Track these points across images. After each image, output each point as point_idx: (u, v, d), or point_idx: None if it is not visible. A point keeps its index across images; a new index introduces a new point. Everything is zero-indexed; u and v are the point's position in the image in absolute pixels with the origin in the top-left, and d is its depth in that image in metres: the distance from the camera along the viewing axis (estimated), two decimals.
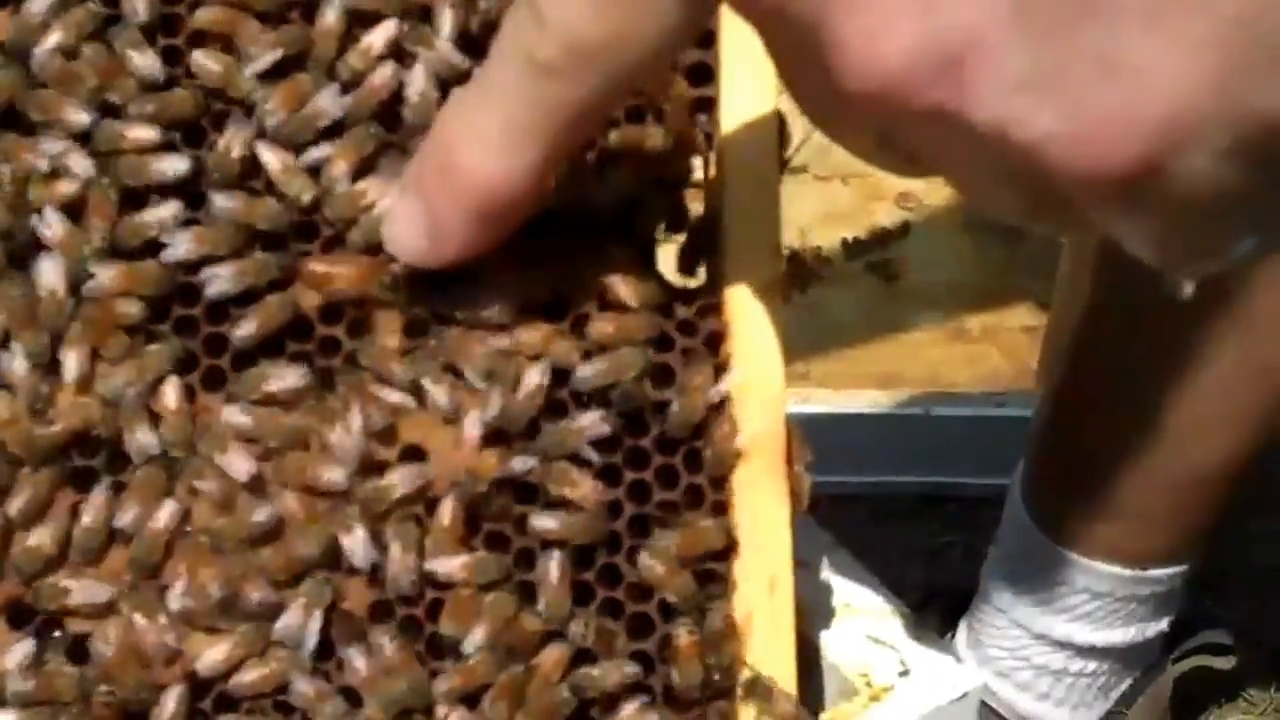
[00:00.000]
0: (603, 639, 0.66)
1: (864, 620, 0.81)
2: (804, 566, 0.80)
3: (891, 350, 1.76)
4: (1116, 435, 1.19)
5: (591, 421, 0.67)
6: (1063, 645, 1.26)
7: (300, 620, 0.65)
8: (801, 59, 0.53)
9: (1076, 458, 1.23)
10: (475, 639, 0.65)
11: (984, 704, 1.29)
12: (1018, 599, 1.27)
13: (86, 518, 0.66)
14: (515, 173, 0.59)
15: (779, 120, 0.69)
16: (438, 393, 0.67)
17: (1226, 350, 1.13)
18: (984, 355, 1.77)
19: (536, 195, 0.61)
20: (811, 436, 1.69)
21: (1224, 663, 1.35)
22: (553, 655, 0.66)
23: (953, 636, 1.34)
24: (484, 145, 0.59)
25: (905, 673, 0.78)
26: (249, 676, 0.65)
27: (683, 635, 0.66)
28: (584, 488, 0.66)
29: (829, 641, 0.79)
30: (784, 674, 0.67)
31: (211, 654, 0.65)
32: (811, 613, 0.80)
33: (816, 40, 0.50)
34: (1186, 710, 1.44)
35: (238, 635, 0.65)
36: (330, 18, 0.68)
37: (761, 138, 0.69)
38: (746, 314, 0.68)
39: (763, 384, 0.68)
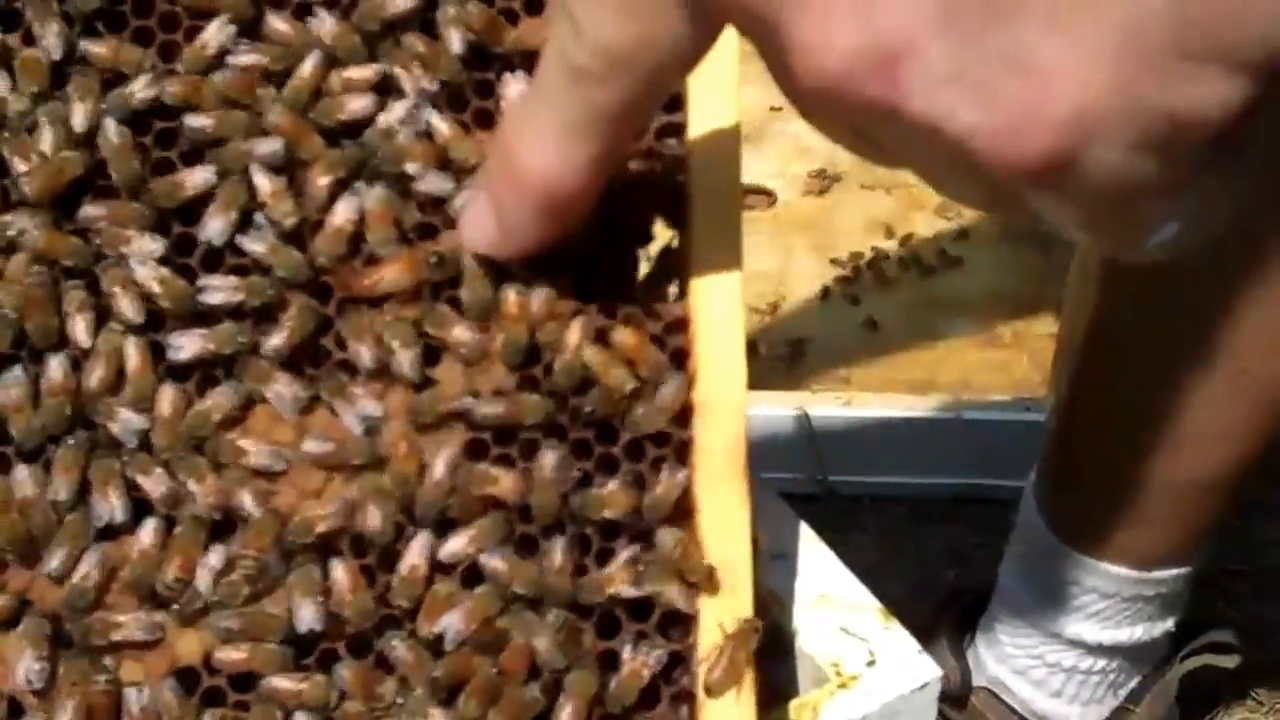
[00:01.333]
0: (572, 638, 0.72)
1: (838, 612, 0.85)
2: (783, 559, 0.86)
3: (927, 356, 1.81)
4: (1119, 445, 1.23)
5: None
6: (1074, 644, 1.30)
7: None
8: (770, 57, 0.58)
9: (1083, 464, 1.27)
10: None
11: (1001, 701, 1.34)
12: (1031, 598, 1.31)
13: None
14: (569, 170, 0.65)
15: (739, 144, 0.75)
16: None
17: (1223, 364, 1.16)
18: (1014, 362, 1.80)
19: (593, 190, 0.67)
20: (853, 439, 1.75)
21: (1229, 661, 1.37)
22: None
23: (973, 636, 1.39)
24: (540, 146, 0.65)
25: (872, 663, 0.82)
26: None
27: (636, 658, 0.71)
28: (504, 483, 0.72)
29: (803, 631, 0.84)
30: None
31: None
32: (789, 603, 0.85)
33: (776, 41, 0.56)
34: (1194, 708, 1.47)
35: None
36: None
37: (726, 162, 0.74)
38: (711, 330, 0.73)
39: (725, 396, 0.73)
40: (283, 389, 0.73)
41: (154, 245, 0.73)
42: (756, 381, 1.67)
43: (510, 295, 0.72)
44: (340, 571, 0.72)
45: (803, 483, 1.68)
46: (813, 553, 0.88)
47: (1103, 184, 0.54)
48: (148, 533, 0.72)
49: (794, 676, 0.84)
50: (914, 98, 0.53)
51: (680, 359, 0.73)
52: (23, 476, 0.72)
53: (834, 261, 1.93)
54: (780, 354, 1.80)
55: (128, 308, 0.73)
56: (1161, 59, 0.50)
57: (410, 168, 0.74)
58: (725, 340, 0.73)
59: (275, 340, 0.73)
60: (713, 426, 0.73)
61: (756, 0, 0.55)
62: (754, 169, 1.99)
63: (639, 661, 0.72)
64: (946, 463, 1.68)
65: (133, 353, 0.73)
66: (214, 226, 0.74)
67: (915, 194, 2.00)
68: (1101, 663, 1.32)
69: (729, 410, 0.73)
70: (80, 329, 0.73)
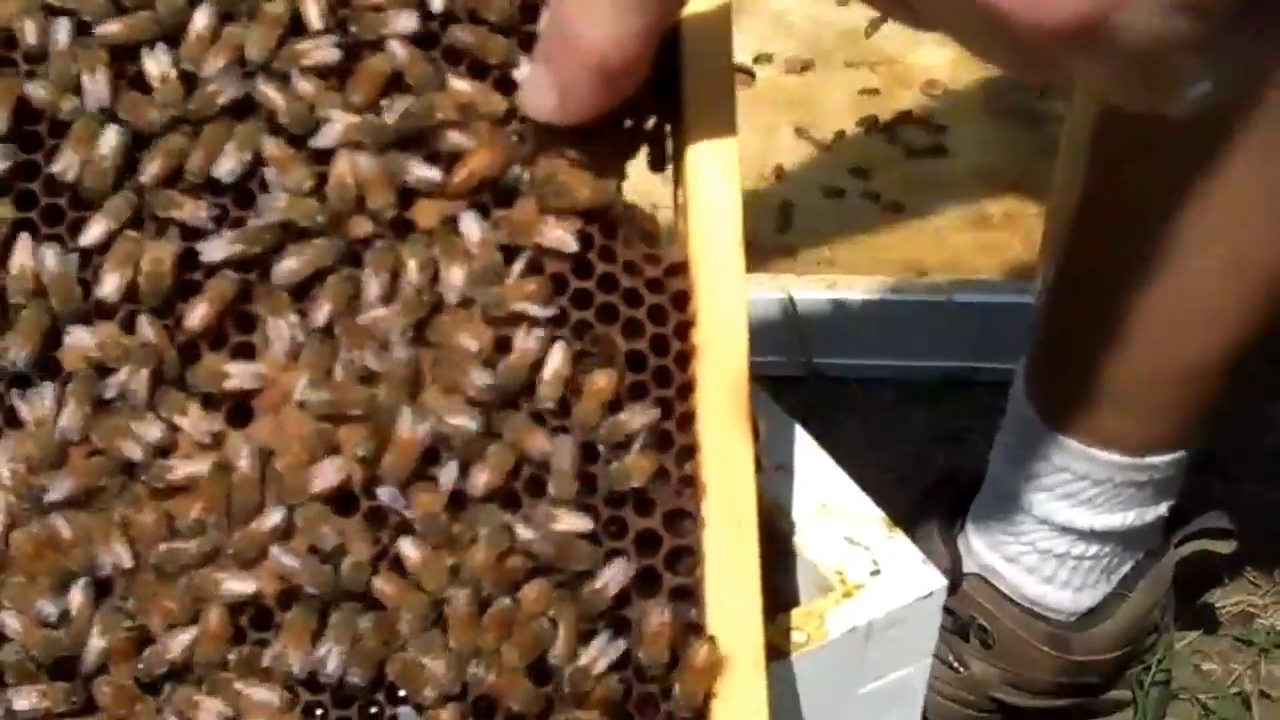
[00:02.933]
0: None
1: (841, 522, 0.85)
2: (784, 470, 0.86)
3: (915, 237, 1.78)
4: (1108, 328, 1.22)
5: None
6: (1065, 530, 1.30)
7: None
8: None
9: (1073, 349, 1.26)
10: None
11: (993, 587, 1.33)
12: (1022, 485, 1.30)
13: None
14: (627, 39, 0.68)
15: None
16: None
17: (1212, 246, 1.15)
18: (1006, 243, 1.78)
19: (648, 58, 0.70)
20: (839, 321, 1.74)
21: (1226, 547, 1.37)
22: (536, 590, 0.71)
23: (964, 521, 1.37)
24: (597, 17, 0.68)
25: (876, 572, 0.82)
26: None
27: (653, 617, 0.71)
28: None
29: (806, 541, 0.84)
30: (750, 610, 0.71)
31: None
32: (789, 513, 0.85)
33: None
34: (1191, 592, 1.47)
35: None
36: None
37: (722, 109, 0.75)
38: (712, 271, 0.74)
39: (727, 336, 0.73)
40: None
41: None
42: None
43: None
44: None
45: (788, 365, 1.66)
46: (814, 462, 0.88)
47: (1135, 44, 0.56)
48: None
49: (796, 586, 0.85)
50: None
51: (681, 302, 0.74)
52: None
53: (816, 141, 1.88)
54: (763, 230, 1.76)
55: None
56: None
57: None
58: (725, 282, 0.74)
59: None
60: (714, 367, 0.73)
61: None
62: (737, 44, 1.94)
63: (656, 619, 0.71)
64: (936, 346, 1.66)
65: None
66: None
67: (899, 71, 1.96)
68: (1094, 548, 1.32)
69: (731, 351, 0.73)
70: None
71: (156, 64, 0.73)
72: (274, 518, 0.70)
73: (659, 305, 0.74)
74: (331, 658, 0.69)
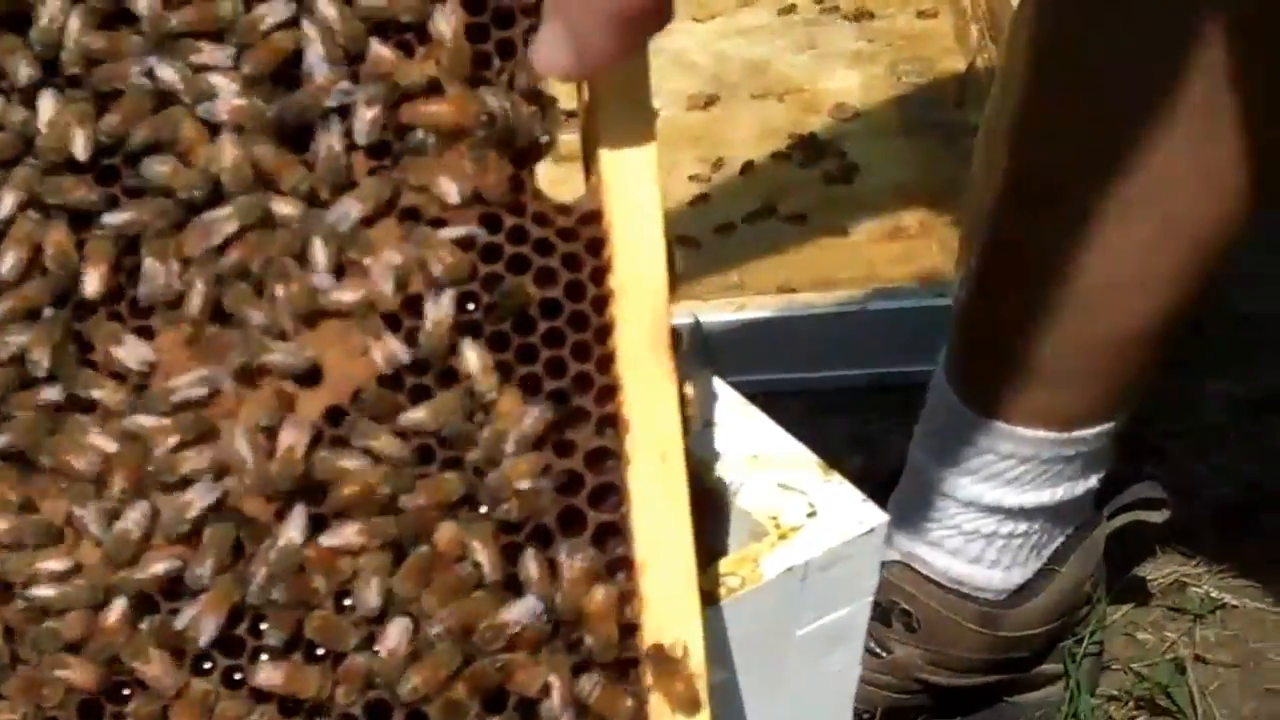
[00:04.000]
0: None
1: (774, 470, 0.85)
2: (713, 425, 0.86)
3: (828, 254, 1.81)
4: (1036, 302, 1.23)
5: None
6: (992, 510, 1.32)
7: None
8: None
9: (996, 330, 1.28)
10: None
11: (916, 572, 1.35)
12: (945, 471, 1.32)
13: None
14: None
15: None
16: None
17: (1142, 213, 1.17)
18: (922, 250, 1.81)
19: (664, 5, 0.68)
20: (746, 339, 1.74)
21: (1158, 517, 1.39)
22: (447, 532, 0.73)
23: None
24: None
25: (813, 514, 0.82)
26: None
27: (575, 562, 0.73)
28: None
29: (739, 491, 0.84)
30: (680, 540, 0.73)
31: None
32: (720, 465, 0.86)
33: None
34: (1123, 565, 1.49)
35: None
36: None
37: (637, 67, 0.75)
38: (626, 215, 0.75)
39: (646, 276, 0.74)
40: None
41: None
42: None
43: None
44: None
45: None
46: (743, 415, 0.88)
47: None
48: None
49: (726, 533, 0.85)
50: None
51: (596, 248, 0.75)
52: None
53: (723, 174, 1.91)
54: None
55: None
56: None
57: None
58: (642, 224, 0.75)
59: None
60: (634, 308, 0.74)
61: None
62: None
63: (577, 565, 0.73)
64: (851, 355, 1.69)
65: None
66: None
67: (807, 98, 2.00)
68: (1023, 526, 1.34)
69: (650, 290, 0.74)
70: None
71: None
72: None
73: (572, 253, 0.75)
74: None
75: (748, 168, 1.92)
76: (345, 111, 0.75)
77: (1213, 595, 1.52)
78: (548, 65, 0.71)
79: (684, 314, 1.65)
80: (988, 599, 1.35)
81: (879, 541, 0.82)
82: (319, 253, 0.74)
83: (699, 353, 1.64)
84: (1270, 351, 1.72)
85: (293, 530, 0.72)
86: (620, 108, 0.75)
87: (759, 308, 1.68)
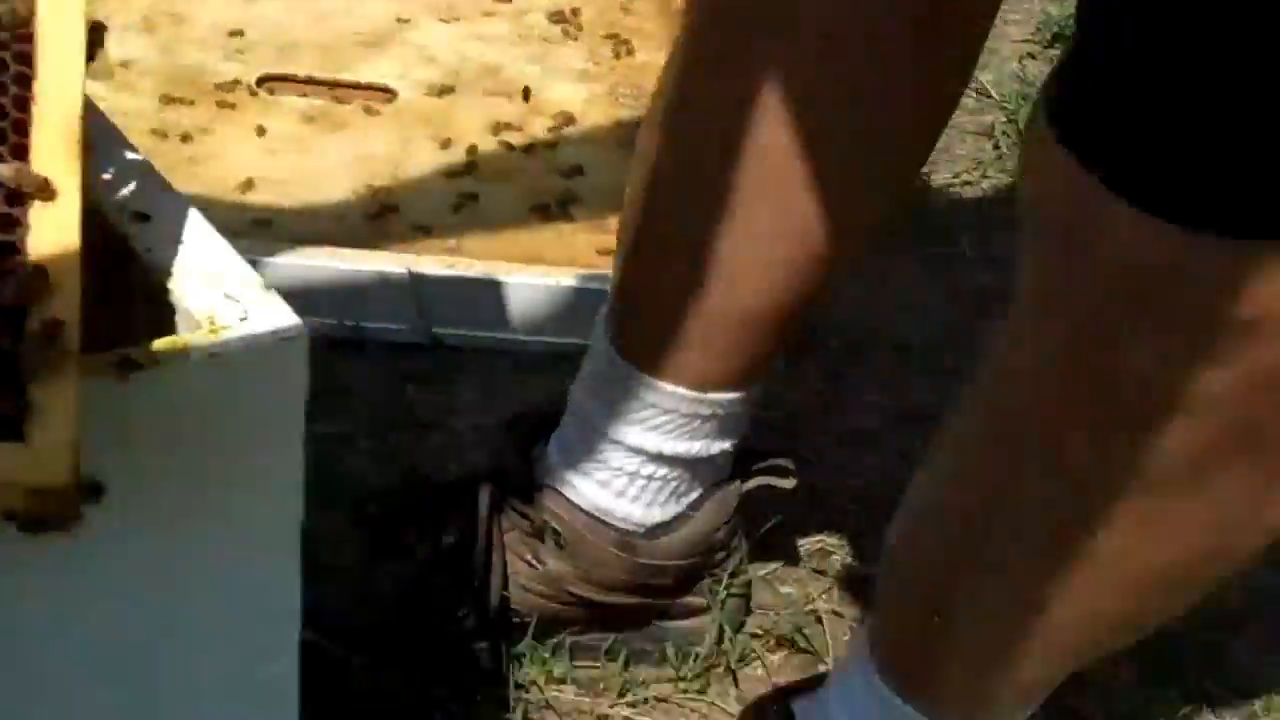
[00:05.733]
0: None
1: (223, 287, 0.90)
2: (180, 244, 0.92)
3: (537, 237, 1.94)
4: (675, 280, 1.40)
5: None
6: (636, 451, 1.46)
7: None
8: None
9: (645, 295, 1.44)
10: None
11: (565, 497, 1.49)
12: (598, 410, 1.46)
13: None
14: None
15: None
16: None
17: (760, 203, 1.34)
18: None
19: None
20: (458, 296, 1.86)
21: (787, 483, 1.54)
22: None
23: (545, 443, 1.53)
24: None
25: (245, 318, 0.88)
26: None
27: None
28: None
29: (184, 293, 0.90)
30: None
31: None
32: (175, 276, 0.91)
33: None
34: (775, 534, 1.65)
35: None
36: None
37: None
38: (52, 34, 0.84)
39: (62, 84, 0.84)
40: None
41: None
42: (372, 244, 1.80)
43: None
44: None
45: (410, 334, 1.82)
46: (209, 242, 0.93)
47: None
48: None
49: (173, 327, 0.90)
50: None
51: (23, 59, 0.84)
52: None
53: (451, 152, 2.04)
54: (396, 228, 1.92)
55: None
56: None
57: None
58: (62, 43, 0.84)
59: None
60: (50, 110, 0.83)
61: None
62: (379, 69, 2.12)
63: None
64: (553, 324, 1.83)
65: None
66: None
67: (535, 104, 2.13)
68: (663, 470, 1.47)
69: (66, 98, 0.84)
70: None
71: None
72: None
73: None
74: None
75: (473, 150, 2.04)
76: None
77: (849, 564, 1.69)
78: None
79: (400, 265, 1.80)
80: (626, 530, 1.49)
81: (302, 352, 0.88)
82: None
83: (412, 304, 1.78)
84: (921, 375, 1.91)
85: None
86: None
87: (468, 268, 1.83)
